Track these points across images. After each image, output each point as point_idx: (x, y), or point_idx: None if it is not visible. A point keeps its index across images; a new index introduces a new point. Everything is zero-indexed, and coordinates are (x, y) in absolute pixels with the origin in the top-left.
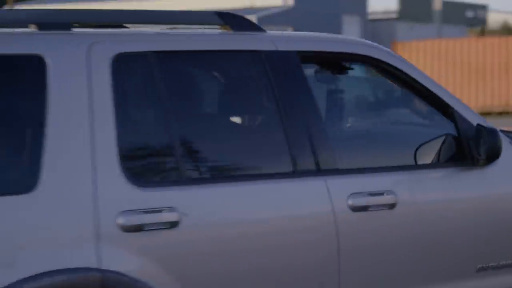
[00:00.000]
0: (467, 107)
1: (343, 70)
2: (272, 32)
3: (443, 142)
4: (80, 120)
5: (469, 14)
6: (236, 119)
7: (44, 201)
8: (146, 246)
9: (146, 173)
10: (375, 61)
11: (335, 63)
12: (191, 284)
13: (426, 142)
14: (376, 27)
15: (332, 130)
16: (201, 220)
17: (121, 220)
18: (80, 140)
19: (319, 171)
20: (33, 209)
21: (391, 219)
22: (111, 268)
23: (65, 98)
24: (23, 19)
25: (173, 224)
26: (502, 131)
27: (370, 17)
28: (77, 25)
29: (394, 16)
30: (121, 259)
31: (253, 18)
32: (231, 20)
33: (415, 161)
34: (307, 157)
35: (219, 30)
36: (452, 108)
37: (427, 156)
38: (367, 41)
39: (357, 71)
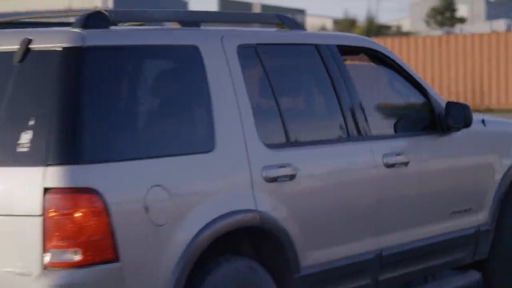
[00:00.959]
0: (434, 90)
1: (362, 59)
2: (309, 30)
3: (423, 115)
4: (230, 99)
5: None
6: (317, 99)
7: (219, 159)
8: (278, 193)
9: (274, 138)
10: (376, 52)
11: (355, 53)
12: (302, 218)
13: (410, 115)
14: None
15: (366, 106)
16: (308, 173)
17: (264, 173)
18: (233, 115)
19: (366, 137)
20: (213, 164)
21: (406, 175)
22: (262, 210)
23: (218, 80)
24: (168, 18)
25: (291, 177)
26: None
27: None
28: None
29: None
30: (267, 203)
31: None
32: (287, 21)
33: (408, 130)
34: (357, 127)
35: (278, 28)
36: (426, 90)
37: (413, 126)
38: (369, 38)
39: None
